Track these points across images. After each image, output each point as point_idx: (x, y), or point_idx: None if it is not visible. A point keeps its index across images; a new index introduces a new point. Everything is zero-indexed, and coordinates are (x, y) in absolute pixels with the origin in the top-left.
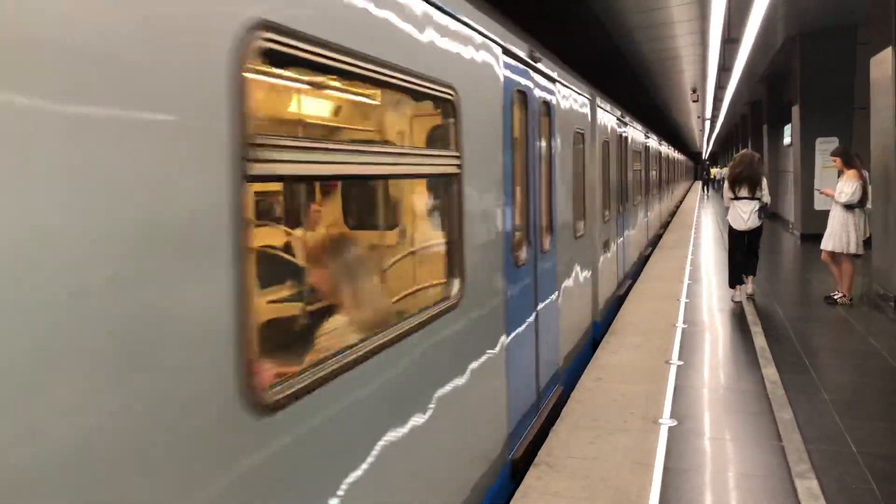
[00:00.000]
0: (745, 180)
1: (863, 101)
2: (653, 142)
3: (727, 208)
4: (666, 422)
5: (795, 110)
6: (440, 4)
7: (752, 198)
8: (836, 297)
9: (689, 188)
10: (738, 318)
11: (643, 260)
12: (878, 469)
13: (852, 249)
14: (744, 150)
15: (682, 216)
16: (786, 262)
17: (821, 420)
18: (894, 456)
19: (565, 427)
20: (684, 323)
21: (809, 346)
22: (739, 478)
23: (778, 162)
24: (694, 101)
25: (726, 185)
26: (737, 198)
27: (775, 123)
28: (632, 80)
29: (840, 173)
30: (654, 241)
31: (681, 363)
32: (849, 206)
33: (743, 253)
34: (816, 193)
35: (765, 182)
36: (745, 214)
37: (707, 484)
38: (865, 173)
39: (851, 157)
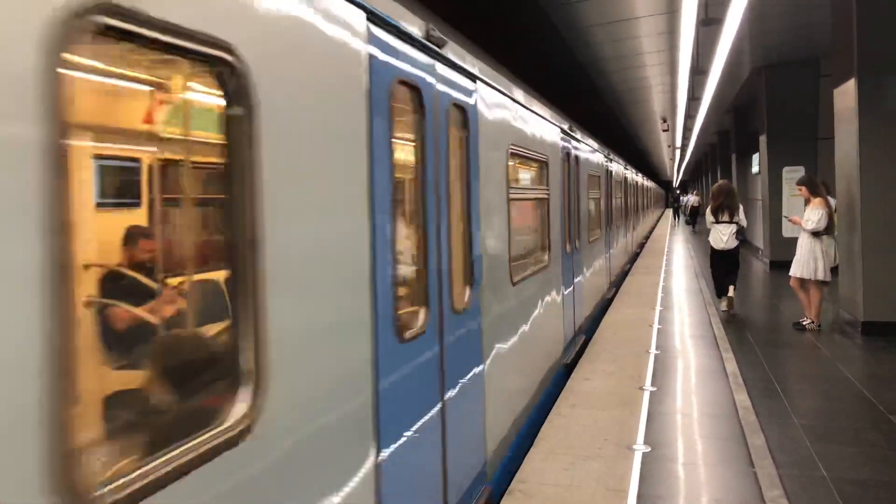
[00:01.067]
0: (725, 208)
1: (827, 132)
2: (617, 165)
3: (709, 230)
4: (639, 448)
5: (763, 140)
6: None
7: (731, 221)
8: (804, 323)
9: (661, 216)
10: (710, 344)
11: (604, 305)
12: (847, 493)
13: (820, 276)
14: (721, 182)
15: (653, 243)
16: (756, 288)
17: (792, 445)
18: (863, 480)
19: (539, 454)
20: (657, 349)
21: (780, 371)
22: None
23: (746, 190)
24: (664, 131)
25: (708, 211)
26: (718, 222)
27: (743, 152)
28: (604, 109)
29: (807, 201)
30: (619, 281)
31: (654, 389)
32: (816, 234)
33: (722, 269)
34: (784, 221)
35: (741, 208)
36: (724, 236)
37: None
38: (832, 201)
39: (817, 185)
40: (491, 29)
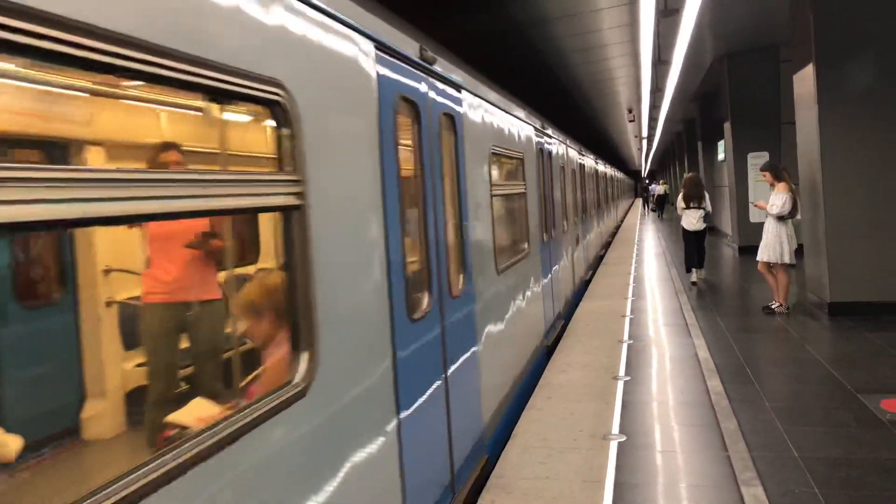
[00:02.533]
0: (693, 197)
1: (789, 117)
2: (587, 159)
3: (680, 216)
4: (615, 437)
5: (727, 127)
6: None
7: (699, 207)
8: (773, 306)
9: (630, 206)
10: (682, 332)
11: (581, 287)
12: (818, 472)
13: (786, 259)
14: (690, 174)
15: (624, 233)
16: (725, 274)
17: (764, 428)
18: (833, 459)
19: (516, 448)
20: (630, 339)
21: (750, 355)
22: (688, 489)
23: (713, 177)
24: (630, 121)
25: (680, 199)
26: (688, 208)
27: (709, 140)
28: (571, 103)
29: (772, 186)
30: (594, 266)
31: (628, 379)
32: (781, 218)
33: (693, 247)
34: (751, 206)
35: (707, 196)
36: (693, 220)
37: (657, 497)
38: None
39: (780, 170)
40: (455, 27)
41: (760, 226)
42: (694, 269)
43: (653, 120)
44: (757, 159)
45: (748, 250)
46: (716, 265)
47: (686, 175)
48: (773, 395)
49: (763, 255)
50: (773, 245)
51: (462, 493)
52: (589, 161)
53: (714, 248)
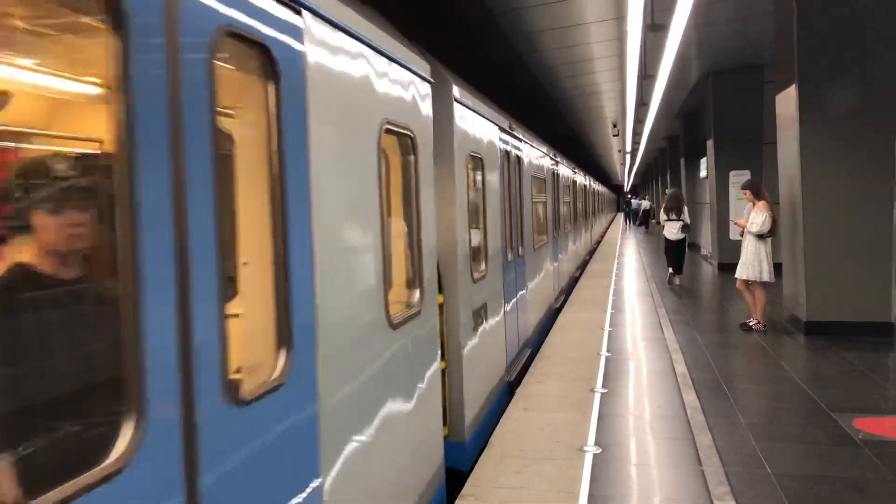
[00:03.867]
0: (673, 209)
1: (772, 137)
2: (565, 168)
3: (661, 228)
4: (591, 449)
5: (710, 144)
6: None
7: (678, 219)
8: (751, 323)
9: (612, 220)
10: (660, 346)
11: (553, 313)
12: (790, 489)
13: (765, 278)
14: (672, 190)
15: (604, 247)
16: (704, 290)
17: (738, 443)
18: (805, 476)
19: (492, 457)
20: (608, 351)
21: (727, 371)
22: (662, 503)
23: (695, 194)
24: (615, 136)
25: (662, 211)
26: (668, 219)
27: (692, 157)
28: (556, 116)
29: (752, 204)
30: (569, 288)
31: (605, 391)
32: (760, 236)
33: (673, 255)
34: (731, 224)
35: (686, 209)
36: (674, 230)
37: None
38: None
39: (760, 189)
40: (440, 34)
41: (739, 243)
42: (673, 274)
43: (637, 135)
44: (739, 177)
45: (727, 267)
46: (695, 281)
47: (668, 190)
48: (748, 412)
49: (742, 272)
50: (752, 263)
51: None
52: (568, 171)
53: (694, 264)
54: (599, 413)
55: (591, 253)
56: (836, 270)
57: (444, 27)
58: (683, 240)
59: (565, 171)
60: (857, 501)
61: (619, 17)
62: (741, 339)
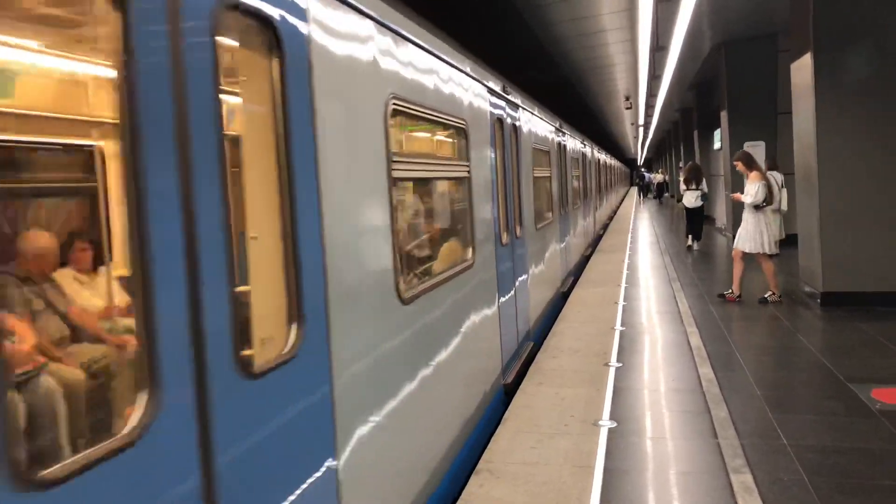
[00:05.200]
0: (692, 180)
1: (786, 107)
2: (574, 141)
3: (677, 199)
4: (605, 423)
5: (724, 116)
6: None
7: (697, 189)
8: (767, 296)
9: (626, 194)
10: (675, 320)
11: (557, 303)
12: (807, 460)
13: (766, 249)
14: (691, 162)
15: (617, 223)
16: (718, 263)
17: (754, 415)
18: (822, 447)
19: (507, 432)
20: (622, 326)
21: (742, 343)
22: (677, 476)
23: (709, 166)
24: (627, 109)
25: (682, 181)
26: (688, 189)
27: (706, 129)
28: (569, 90)
29: (747, 176)
30: (578, 270)
31: (619, 365)
32: (758, 207)
33: (691, 221)
34: (727, 197)
35: (703, 180)
36: (692, 199)
37: (646, 483)
38: (779, 175)
39: (752, 160)
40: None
41: None
42: (694, 238)
43: (650, 108)
44: (754, 148)
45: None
46: (709, 253)
47: (688, 163)
48: (763, 384)
49: (745, 245)
50: (754, 235)
51: None
52: (576, 143)
53: (708, 236)
54: (614, 387)
55: (605, 227)
56: (852, 241)
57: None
58: (701, 208)
59: (573, 142)
60: (875, 472)
61: None
62: (756, 312)
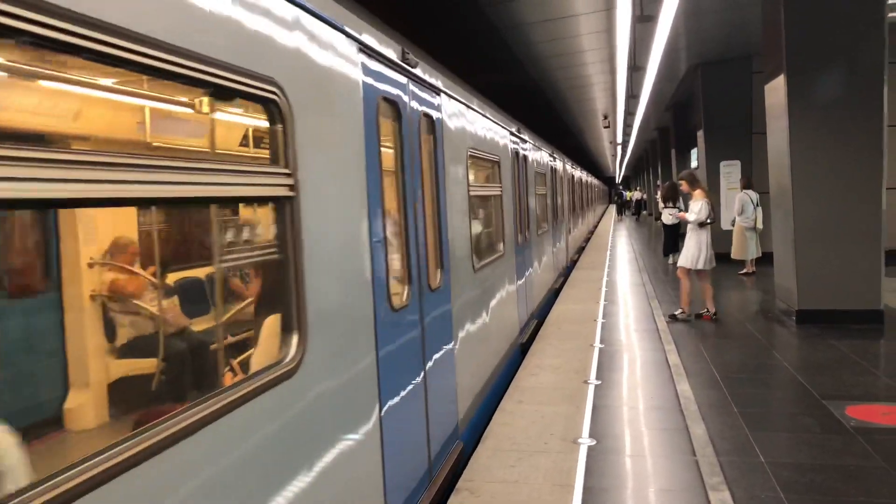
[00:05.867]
0: (670, 198)
1: (761, 127)
2: (539, 153)
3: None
4: (585, 441)
5: (700, 135)
6: None
7: (674, 206)
8: (703, 313)
9: (604, 212)
10: (653, 337)
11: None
12: (784, 478)
13: (700, 266)
14: (669, 181)
15: (597, 238)
16: (695, 281)
17: (732, 433)
18: (798, 464)
19: (486, 451)
20: (601, 343)
21: (720, 361)
22: (656, 493)
23: None
24: (605, 128)
25: (659, 199)
26: (665, 207)
27: (683, 148)
28: (548, 109)
29: (689, 194)
30: (567, 271)
31: (598, 383)
32: (701, 225)
33: (670, 237)
34: (666, 215)
35: (681, 198)
36: (670, 215)
37: (626, 501)
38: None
39: (695, 179)
40: (429, 29)
41: (730, 233)
42: (671, 254)
43: (627, 126)
44: (729, 167)
45: (719, 257)
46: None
47: (666, 182)
48: (741, 401)
49: (683, 261)
50: (693, 252)
51: None
52: (543, 156)
53: None
54: (594, 405)
55: (586, 240)
56: (827, 259)
57: (434, 20)
58: (678, 224)
59: (539, 154)
60: (850, 488)
61: (608, 8)
62: (734, 329)
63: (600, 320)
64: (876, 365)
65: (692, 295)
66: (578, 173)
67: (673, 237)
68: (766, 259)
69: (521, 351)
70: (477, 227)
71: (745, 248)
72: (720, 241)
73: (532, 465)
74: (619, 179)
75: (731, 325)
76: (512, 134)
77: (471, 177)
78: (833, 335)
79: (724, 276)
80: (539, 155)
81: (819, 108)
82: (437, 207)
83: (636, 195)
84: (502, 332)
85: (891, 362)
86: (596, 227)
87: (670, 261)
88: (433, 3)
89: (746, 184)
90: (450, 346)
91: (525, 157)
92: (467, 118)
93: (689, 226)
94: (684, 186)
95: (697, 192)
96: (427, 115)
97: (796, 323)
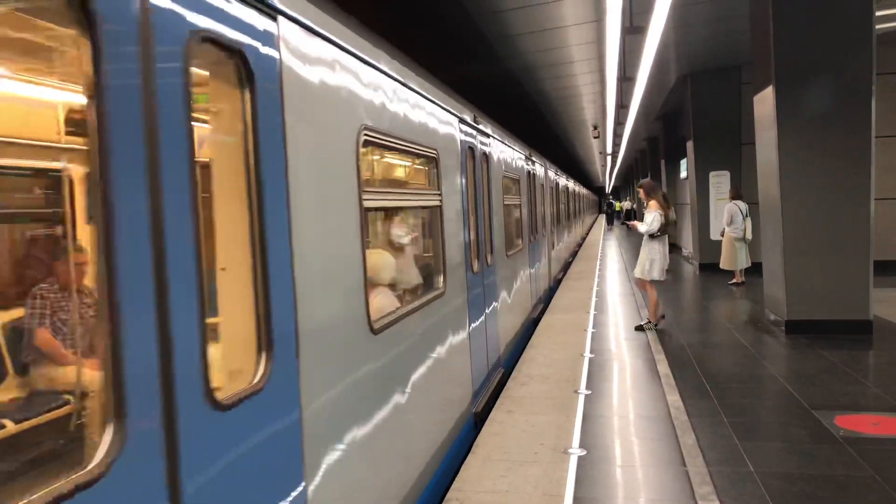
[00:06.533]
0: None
1: (750, 137)
2: (543, 169)
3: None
4: (575, 451)
5: (690, 146)
6: None
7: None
8: (642, 323)
9: (594, 222)
10: (643, 347)
11: (527, 329)
12: (773, 487)
13: (654, 276)
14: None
15: (587, 249)
16: (686, 290)
17: (721, 443)
18: (788, 474)
19: (476, 461)
20: (591, 353)
21: (710, 371)
22: None
23: (675, 195)
24: (595, 138)
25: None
26: None
27: (672, 158)
28: (538, 119)
29: (646, 204)
30: (549, 297)
31: (588, 392)
32: (653, 236)
33: None
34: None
35: (672, 207)
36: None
37: None
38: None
39: (653, 189)
40: (419, 36)
41: (719, 243)
42: None
43: (617, 137)
44: (718, 178)
45: (708, 267)
46: (677, 281)
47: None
48: (731, 411)
49: (638, 272)
50: (644, 262)
51: None
52: (546, 170)
53: (675, 264)
54: (584, 414)
55: (574, 254)
56: (816, 269)
57: (424, 30)
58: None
59: (543, 170)
60: (839, 499)
61: (598, 19)
62: (723, 339)
63: (590, 330)
64: (865, 375)
65: (656, 302)
66: (564, 181)
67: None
68: (755, 269)
69: (533, 322)
70: (509, 228)
71: (734, 259)
72: (710, 251)
73: (522, 476)
74: (609, 189)
75: (721, 334)
76: (526, 157)
77: (505, 193)
78: (822, 345)
79: (714, 286)
80: (509, 155)
81: (808, 118)
82: (490, 213)
83: (626, 205)
84: (523, 305)
85: (879, 372)
86: (585, 237)
87: None
88: (423, 10)
89: (735, 194)
90: (495, 303)
91: (534, 174)
92: (505, 153)
93: (643, 237)
94: (642, 194)
95: (652, 203)
96: (484, 153)
97: (785, 333)
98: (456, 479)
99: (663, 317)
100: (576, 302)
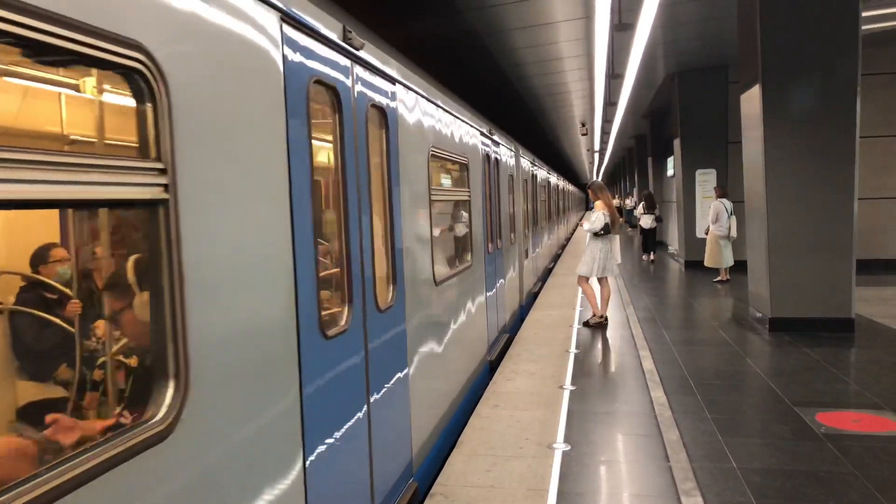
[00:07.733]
0: (648, 206)
1: (736, 136)
2: (538, 170)
3: (639, 219)
4: (560, 446)
5: (676, 144)
6: None
7: (651, 213)
8: (589, 318)
9: (581, 218)
10: (628, 343)
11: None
12: (755, 483)
13: (596, 274)
14: (647, 191)
15: (574, 245)
16: (671, 287)
17: (704, 439)
18: (769, 470)
19: (461, 455)
20: (577, 349)
21: (693, 368)
22: (630, 499)
23: (662, 192)
24: (583, 135)
25: (640, 207)
26: (644, 213)
27: (659, 156)
28: (526, 115)
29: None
30: (544, 277)
31: (573, 388)
32: (597, 234)
33: (648, 240)
34: (646, 220)
35: (657, 206)
36: (648, 221)
37: None
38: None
39: (601, 189)
40: (409, 32)
41: (704, 241)
42: (650, 253)
43: (605, 134)
44: (705, 176)
45: (694, 265)
46: (662, 279)
47: (644, 191)
48: (714, 407)
49: (581, 270)
50: (586, 260)
51: None
52: (541, 171)
53: (661, 262)
54: (569, 410)
55: (562, 248)
56: (799, 268)
57: (412, 25)
58: (655, 229)
59: (513, 159)
60: (819, 494)
61: (587, 16)
62: (708, 336)
63: (576, 326)
64: (847, 373)
65: (598, 297)
66: (545, 173)
67: (650, 239)
68: (739, 267)
69: (488, 369)
70: (511, 219)
71: (719, 257)
72: (696, 249)
73: (507, 470)
74: None
75: (705, 332)
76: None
77: (509, 190)
78: (805, 343)
79: (699, 284)
80: (456, 130)
81: (793, 118)
82: (499, 207)
83: (615, 203)
84: (516, 288)
85: (861, 370)
86: (572, 234)
87: (650, 258)
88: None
89: (721, 193)
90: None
91: (534, 175)
92: (507, 156)
93: (587, 235)
94: (591, 194)
95: (598, 203)
96: (496, 159)
97: (769, 330)
98: (441, 473)
99: (603, 318)
100: (562, 298)
